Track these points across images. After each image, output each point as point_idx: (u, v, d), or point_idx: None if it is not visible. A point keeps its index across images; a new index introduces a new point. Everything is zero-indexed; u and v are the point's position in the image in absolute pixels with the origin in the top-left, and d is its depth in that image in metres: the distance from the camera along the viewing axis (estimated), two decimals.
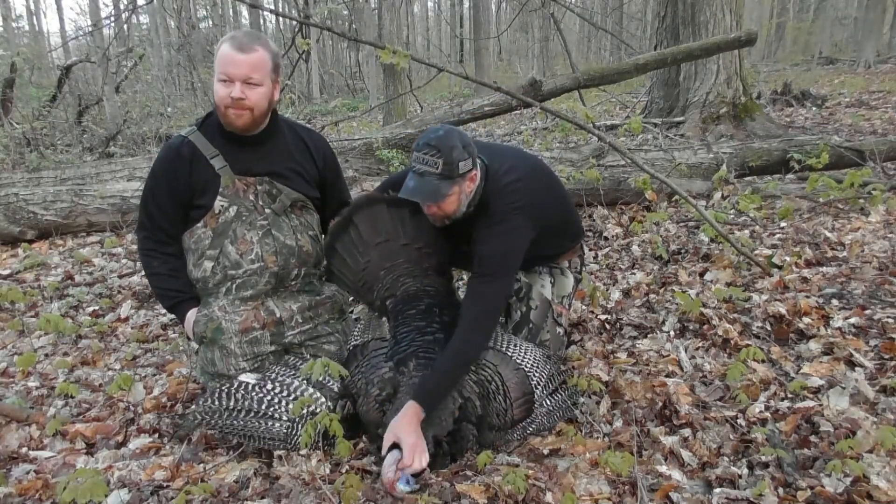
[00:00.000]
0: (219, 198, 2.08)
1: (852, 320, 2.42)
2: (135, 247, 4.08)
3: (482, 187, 2.03)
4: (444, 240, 2.27)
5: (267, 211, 2.13)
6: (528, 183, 2.07)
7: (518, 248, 1.99)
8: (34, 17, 28.13)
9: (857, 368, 2.13)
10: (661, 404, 2.07)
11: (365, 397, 1.94)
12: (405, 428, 1.74)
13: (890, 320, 2.36)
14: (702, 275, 3.12)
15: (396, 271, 2.20)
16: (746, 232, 3.61)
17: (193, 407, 2.03)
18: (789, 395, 2.06)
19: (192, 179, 2.07)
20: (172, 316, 2.41)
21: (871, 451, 1.71)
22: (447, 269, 2.33)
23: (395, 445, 1.73)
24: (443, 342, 2.01)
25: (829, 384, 2.06)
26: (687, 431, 1.94)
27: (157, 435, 2.10)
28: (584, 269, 2.52)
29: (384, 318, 2.21)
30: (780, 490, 1.64)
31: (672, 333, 2.59)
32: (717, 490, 1.65)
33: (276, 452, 1.89)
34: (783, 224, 3.66)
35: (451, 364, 1.88)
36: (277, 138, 2.16)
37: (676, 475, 1.73)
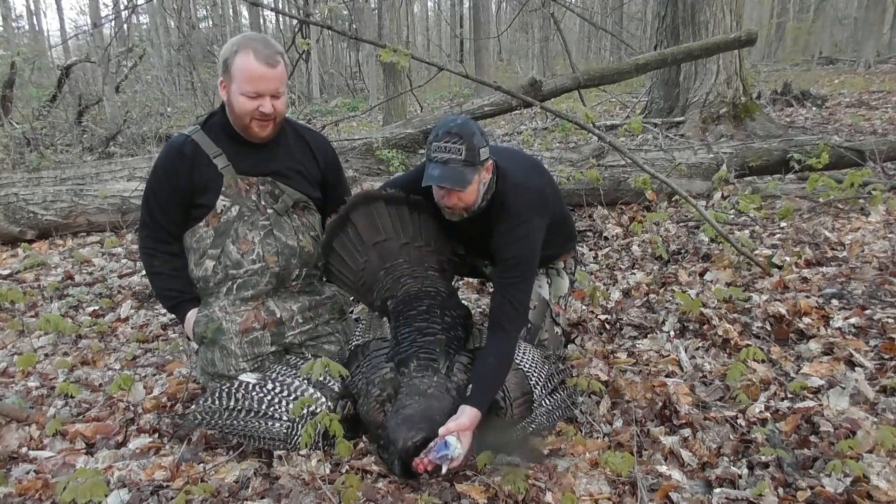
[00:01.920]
0: (221, 197, 2.08)
1: (852, 320, 2.42)
2: (135, 247, 4.09)
3: (494, 181, 2.04)
4: (445, 239, 2.27)
5: (269, 211, 2.13)
6: (536, 180, 2.11)
7: (539, 247, 2.04)
8: (34, 17, 28.16)
9: (857, 368, 2.14)
10: (661, 404, 2.07)
11: (366, 397, 1.93)
12: (468, 434, 1.76)
13: (890, 320, 2.37)
14: (702, 275, 3.12)
15: (396, 271, 2.19)
16: (746, 232, 3.61)
17: (193, 407, 2.03)
18: (789, 395, 2.06)
19: (193, 178, 2.07)
20: (172, 316, 2.41)
21: (871, 451, 1.71)
22: (448, 268, 2.33)
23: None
24: (444, 343, 2.01)
25: (829, 384, 2.06)
26: (687, 431, 1.94)
27: (157, 435, 2.10)
28: (577, 269, 2.53)
29: (385, 318, 2.21)
30: (780, 490, 1.64)
31: (672, 333, 2.59)
32: (717, 490, 1.66)
33: (276, 452, 1.89)
34: (783, 224, 3.66)
35: (500, 366, 1.92)
36: (280, 138, 2.16)
37: (676, 475, 1.74)
